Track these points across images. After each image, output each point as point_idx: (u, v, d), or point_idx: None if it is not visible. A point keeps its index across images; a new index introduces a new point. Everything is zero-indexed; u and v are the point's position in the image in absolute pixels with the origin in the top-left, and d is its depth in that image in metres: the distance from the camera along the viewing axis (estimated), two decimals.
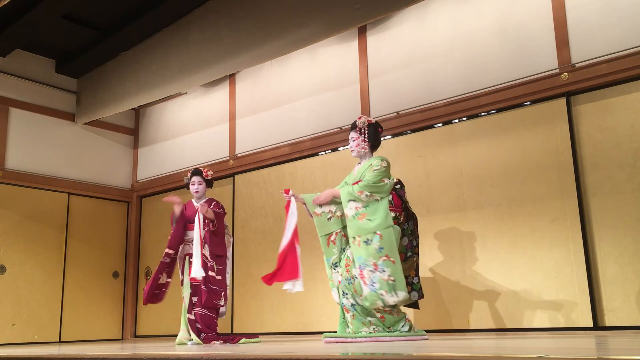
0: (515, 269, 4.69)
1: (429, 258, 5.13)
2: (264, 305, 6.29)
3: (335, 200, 4.15)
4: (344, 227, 4.04)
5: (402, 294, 3.74)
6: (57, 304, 7.04)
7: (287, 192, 4.27)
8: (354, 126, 4.17)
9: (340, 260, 4.03)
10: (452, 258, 5.04)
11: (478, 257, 4.90)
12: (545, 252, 4.57)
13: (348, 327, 3.94)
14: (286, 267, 4.10)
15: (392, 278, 3.73)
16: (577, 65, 4.61)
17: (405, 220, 4.17)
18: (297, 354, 2.30)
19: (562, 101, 4.67)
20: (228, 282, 4.96)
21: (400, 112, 5.51)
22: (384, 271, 3.74)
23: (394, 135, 5.55)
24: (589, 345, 2.67)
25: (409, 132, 5.48)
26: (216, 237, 4.87)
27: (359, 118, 4.16)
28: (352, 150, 4.18)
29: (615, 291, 4.26)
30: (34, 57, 7.23)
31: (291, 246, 4.14)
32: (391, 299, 3.72)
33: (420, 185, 5.29)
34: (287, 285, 4.11)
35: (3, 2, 4.68)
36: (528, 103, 4.85)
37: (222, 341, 4.62)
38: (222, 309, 4.85)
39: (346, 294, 3.92)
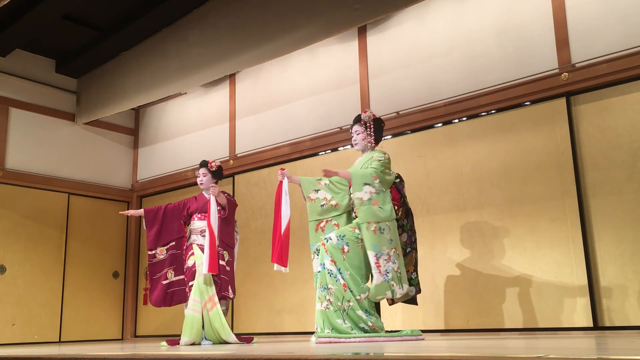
0: (515, 269, 4.69)
1: (429, 258, 5.13)
2: (264, 305, 6.29)
3: (332, 189, 4.18)
4: (336, 216, 4.10)
5: (406, 287, 3.85)
6: (57, 304, 7.04)
7: (282, 170, 4.32)
8: (358, 119, 4.21)
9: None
10: (451, 258, 5.03)
11: (478, 257, 4.89)
12: (545, 252, 4.57)
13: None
14: (283, 252, 4.11)
15: (399, 271, 3.82)
16: (577, 65, 4.61)
17: (405, 216, 4.16)
18: (297, 354, 2.30)
19: (562, 101, 4.67)
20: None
21: (400, 112, 5.51)
22: (395, 263, 3.81)
23: (394, 135, 5.55)
24: (589, 345, 2.67)
25: (409, 132, 5.48)
26: (227, 225, 4.86)
27: (364, 112, 4.21)
28: (355, 144, 4.21)
29: (615, 291, 4.26)
30: (34, 57, 7.23)
31: (286, 234, 4.16)
32: (399, 291, 3.79)
33: (420, 185, 5.28)
34: (277, 267, 4.14)
35: (3, 2, 4.67)
36: (528, 103, 4.85)
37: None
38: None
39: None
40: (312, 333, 4.00)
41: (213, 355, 2.55)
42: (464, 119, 5.17)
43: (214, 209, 4.72)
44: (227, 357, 2.49)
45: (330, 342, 3.63)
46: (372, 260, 3.80)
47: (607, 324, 4.26)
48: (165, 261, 4.91)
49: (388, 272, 3.76)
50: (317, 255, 4.05)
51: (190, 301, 4.63)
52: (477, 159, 5.02)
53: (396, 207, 4.04)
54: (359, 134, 4.17)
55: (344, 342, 3.63)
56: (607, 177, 4.40)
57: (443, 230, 5.11)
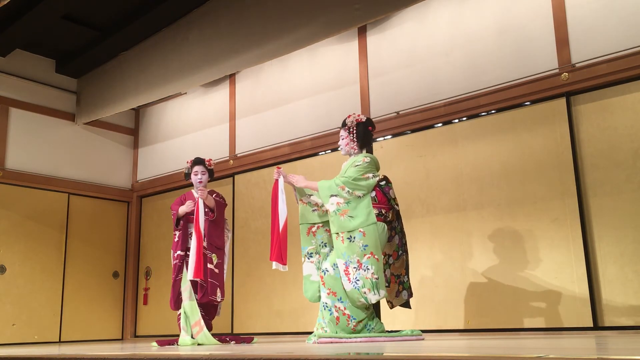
0: (515, 269, 4.69)
1: (429, 258, 5.13)
2: (264, 305, 6.29)
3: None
4: (327, 222, 4.04)
5: (383, 292, 3.77)
6: (57, 304, 7.04)
7: (278, 168, 4.32)
8: (343, 124, 4.17)
9: (315, 252, 4.07)
10: (452, 258, 5.04)
11: (478, 257, 4.90)
12: (545, 252, 4.57)
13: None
14: (282, 251, 4.09)
15: (375, 276, 3.75)
16: (577, 65, 4.61)
17: (396, 218, 4.14)
18: (297, 354, 2.30)
19: (562, 101, 4.67)
20: (225, 278, 4.83)
21: (400, 112, 5.51)
22: (368, 269, 3.75)
23: (394, 135, 5.55)
24: (589, 345, 2.67)
25: (409, 132, 5.48)
26: (216, 227, 4.75)
27: (349, 116, 4.15)
28: (340, 149, 4.19)
29: (615, 291, 4.26)
30: (34, 57, 7.23)
31: (284, 232, 4.13)
32: (373, 297, 3.73)
33: (420, 185, 5.29)
34: (275, 266, 4.10)
35: (3, 2, 4.68)
36: (528, 103, 4.85)
37: (235, 341, 4.61)
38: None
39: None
40: (311, 333, 4.00)
41: (213, 355, 2.55)
42: (464, 119, 5.17)
43: (201, 212, 4.64)
44: (227, 357, 2.49)
45: (331, 342, 3.64)
46: (341, 268, 3.81)
47: (607, 324, 4.26)
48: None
49: (358, 280, 3.74)
50: (308, 259, 4.06)
51: (180, 329, 4.65)
52: (477, 159, 5.02)
53: (384, 210, 4.01)
54: (343, 139, 4.14)
55: (344, 342, 3.64)
56: (607, 177, 4.40)
57: (443, 230, 5.11)
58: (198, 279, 4.56)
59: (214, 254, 4.70)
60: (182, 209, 4.77)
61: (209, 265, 4.64)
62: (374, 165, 4.05)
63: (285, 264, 4.09)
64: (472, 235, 4.95)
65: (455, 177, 5.12)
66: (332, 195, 3.91)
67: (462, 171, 5.09)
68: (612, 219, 4.34)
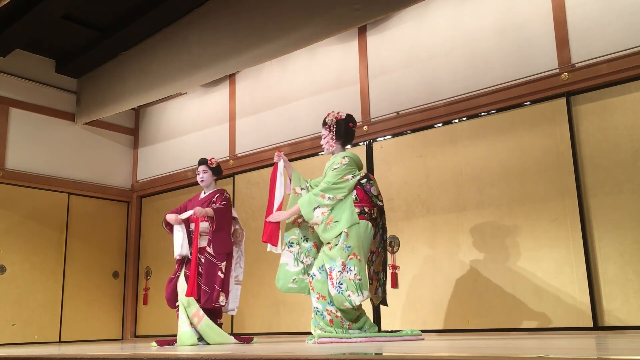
0: (515, 269, 4.69)
1: (429, 258, 5.13)
2: (264, 305, 6.29)
3: None
4: None
5: (367, 293, 3.77)
6: (57, 304, 7.04)
7: (279, 152, 4.32)
8: (324, 123, 4.17)
9: (297, 243, 4.07)
10: (451, 258, 5.03)
11: (478, 257, 4.90)
12: (545, 252, 4.57)
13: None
14: (273, 232, 4.08)
15: (358, 277, 3.74)
16: (577, 65, 4.61)
17: (379, 215, 4.11)
18: (297, 354, 2.30)
19: (562, 101, 4.67)
20: (241, 278, 4.86)
21: (400, 112, 5.51)
22: (351, 270, 3.74)
23: (394, 135, 5.55)
24: (589, 345, 2.67)
25: (409, 132, 5.48)
26: (221, 232, 4.71)
27: (328, 114, 4.15)
28: (323, 148, 4.19)
29: (615, 291, 4.26)
30: (34, 57, 7.23)
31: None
32: (357, 299, 3.72)
33: (420, 185, 5.29)
34: (269, 248, 4.11)
35: (3, 2, 4.68)
36: (528, 103, 4.85)
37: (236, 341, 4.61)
38: (231, 305, 4.77)
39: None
40: (311, 333, 4.00)
41: (213, 355, 2.55)
42: (464, 119, 5.17)
43: (188, 237, 4.65)
44: (227, 357, 2.49)
45: (331, 342, 3.64)
46: (327, 273, 3.82)
47: (607, 324, 4.26)
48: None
49: (342, 284, 3.73)
50: (288, 248, 4.06)
51: (179, 319, 4.62)
52: (477, 159, 5.02)
53: (367, 208, 3.98)
54: (324, 137, 4.14)
55: (344, 342, 3.64)
56: (607, 177, 4.40)
57: (443, 230, 5.11)
58: (203, 286, 4.58)
59: (223, 262, 4.67)
60: (169, 217, 4.76)
61: (219, 274, 4.62)
62: (354, 164, 4.04)
63: (276, 245, 4.08)
64: (472, 235, 4.95)
65: (455, 177, 5.12)
66: (315, 208, 3.90)
67: (462, 171, 5.09)
68: (612, 219, 4.34)
